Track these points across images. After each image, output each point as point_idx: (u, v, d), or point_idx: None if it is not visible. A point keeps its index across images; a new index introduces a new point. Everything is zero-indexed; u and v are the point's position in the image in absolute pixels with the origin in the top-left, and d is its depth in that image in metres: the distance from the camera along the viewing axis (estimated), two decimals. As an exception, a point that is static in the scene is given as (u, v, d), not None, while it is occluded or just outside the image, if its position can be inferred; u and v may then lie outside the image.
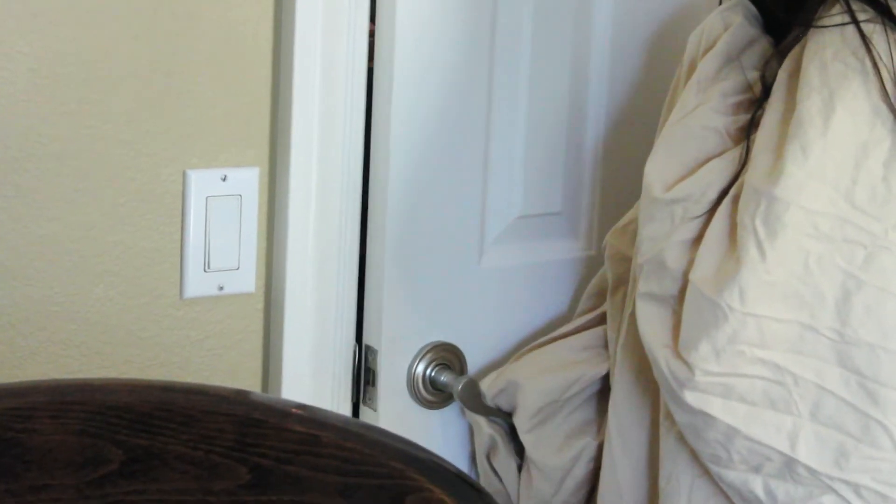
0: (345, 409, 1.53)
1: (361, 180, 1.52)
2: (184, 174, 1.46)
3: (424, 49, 1.44)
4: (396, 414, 1.48)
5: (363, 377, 1.50)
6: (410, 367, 1.48)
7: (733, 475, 1.14)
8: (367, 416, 1.49)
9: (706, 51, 1.26)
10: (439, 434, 1.50)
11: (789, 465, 1.11)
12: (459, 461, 1.52)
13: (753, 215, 1.11)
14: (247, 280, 1.51)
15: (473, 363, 1.52)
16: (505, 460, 1.46)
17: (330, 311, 1.52)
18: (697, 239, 1.18)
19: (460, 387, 1.46)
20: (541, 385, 1.41)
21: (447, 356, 1.49)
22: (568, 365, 1.41)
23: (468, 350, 1.51)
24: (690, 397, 1.12)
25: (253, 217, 1.50)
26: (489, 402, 1.45)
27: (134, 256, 1.46)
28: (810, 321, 1.09)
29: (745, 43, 1.25)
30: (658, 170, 1.23)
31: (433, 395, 1.50)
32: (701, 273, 1.14)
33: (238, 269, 1.50)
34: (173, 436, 1.12)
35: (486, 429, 1.46)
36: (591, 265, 1.57)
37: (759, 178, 1.13)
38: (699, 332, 1.12)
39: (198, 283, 1.48)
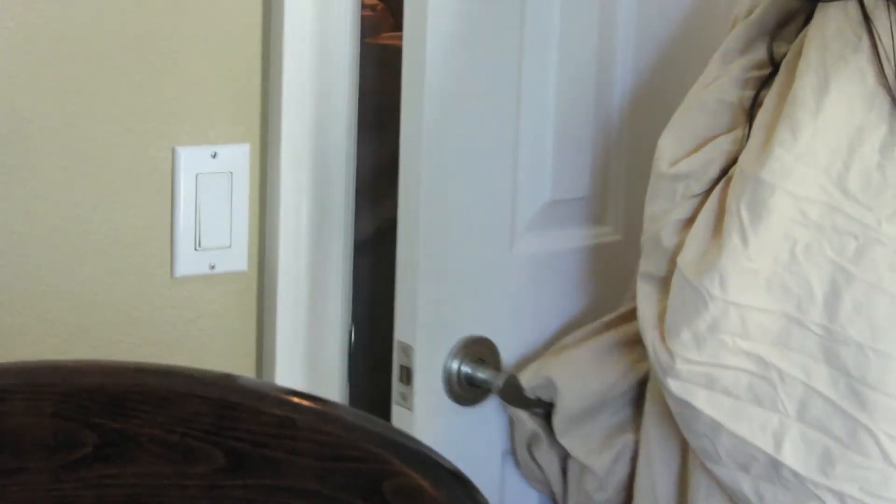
0: (338, 394, 1.50)
1: (355, 156, 1.49)
2: (173, 151, 1.43)
3: (455, 31, 1.37)
4: (433, 412, 1.42)
5: (398, 375, 1.43)
6: (446, 363, 1.42)
7: (724, 472, 1.10)
8: (401, 416, 1.42)
9: (742, 20, 1.21)
10: (475, 430, 1.45)
11: (775, 467, 1.06)
12: (496, 456, 1.47)
13: (739, 199, 1.07)
14: (239, 259, 1.48)
15: (507, 356, 1.46)
16: (547, 453, 1.42)
17: (324, 291, 1.49)
18: (692, 219, 1.14)
19: (501, 383, 1.41)
20: (580, 388, 1.35)
21: (481, 350, 1.44)
22: (607, 365, 1.36)
23: (501, 343, 1.45)
24: (674, 385, 1.08)
25: (244, 194, 1.47)
26: (529, 394, 1.41)
27: (123, 234, 1.44)
28: (797, 314, 1.05)
29: (785, 15, 1.18)
30: (668, 143, 1.19)
31: (469, 391, 1.44)
32: (687, 256, 1.11)
33: (230, 247, 1.47)
34: (148, 419, 1.10)
35: (528, 423, 1.41)
36: (624, 250, 1.53)
37: (748, 160, 1.09)
38: (681, 319, 1.08)
39: (189, 262, 1.46)
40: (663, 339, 1.10)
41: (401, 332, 1.41)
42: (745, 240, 1.06)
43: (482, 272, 1.43)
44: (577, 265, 1.51)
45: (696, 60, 1.28)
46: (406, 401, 1.41)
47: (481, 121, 1.41)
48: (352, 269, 1.51)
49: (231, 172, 1.46)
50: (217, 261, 1.47)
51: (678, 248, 1.13)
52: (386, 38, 1.94)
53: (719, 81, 1.18)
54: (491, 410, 1.45)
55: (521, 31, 1.42)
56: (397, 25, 1.99)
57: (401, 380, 1.41)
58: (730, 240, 1.06)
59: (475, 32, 1.39)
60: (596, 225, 1.53)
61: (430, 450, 1.06)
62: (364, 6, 1.98)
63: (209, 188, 1.45)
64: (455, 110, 1.38)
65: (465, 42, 1.38)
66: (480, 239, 1.42)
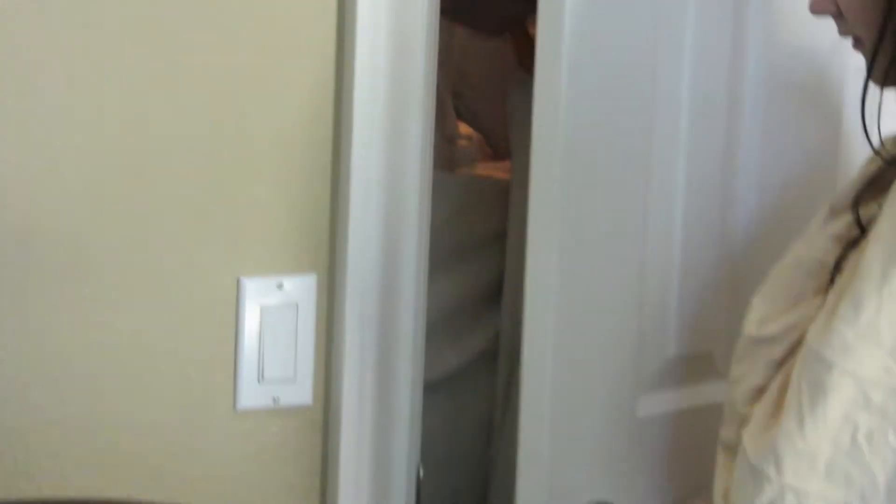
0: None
1: (425, 291, 1.45)
2: (238, 281, 1.41)
3: (582, 176, 1.33)
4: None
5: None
6: None
7: None
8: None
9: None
10: None
11: None
12: None
13: (800, 374, 1.01)
14: (303, 392, 1.44)
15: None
16: None
17: (391, 429, 1.45)
18: (767, 387, 1.08)
19: None
20: None
21: None
22: None
23: (625, 507, 1.40)
24: None
25: (310, 326, 1.43)
26: None
27: (186, 365, 1.41)
28: None
29: (878, 177, 1.12)
30: (760, 302, 1.15)
31: None
32: (751, 430, 1.05)
33: (294, 380, 1.43)
34: (157, 562, 1.05)
35: None
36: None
37: (814, 331, 1.02)
38: (741, 498, 1.04)
39: (252, 395, 1.43)
40: None
41: (524, 499, 1.34)
42: (801, 420, 1.00)
43: (606, 434, 1.38)
44: (700, 424, 1.43)
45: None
46: None
47: (606, 271, 1.36)
48: (420, 407, 1.46)
49: (297, 304, 1.42)
50: (281, 394, 1.43)
51: (748, 417, 1.07)
52: (483, 169, 1.92)
53: (820, 239, 1.13)
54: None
55: (647, 177, 1.38)
56: (495, 156, 1.97)
57: None
58: (788, 418, 1.01)
59: (602, 177, 1.35)
60: (720, 381, 1.44)
61: None
62: (460, 136, 1.97)
63: (274, 320, 1.42)
64: (580, 261, 1.34)
65: (593, 186, 1.34)
66: (605, 399, 1.37)
